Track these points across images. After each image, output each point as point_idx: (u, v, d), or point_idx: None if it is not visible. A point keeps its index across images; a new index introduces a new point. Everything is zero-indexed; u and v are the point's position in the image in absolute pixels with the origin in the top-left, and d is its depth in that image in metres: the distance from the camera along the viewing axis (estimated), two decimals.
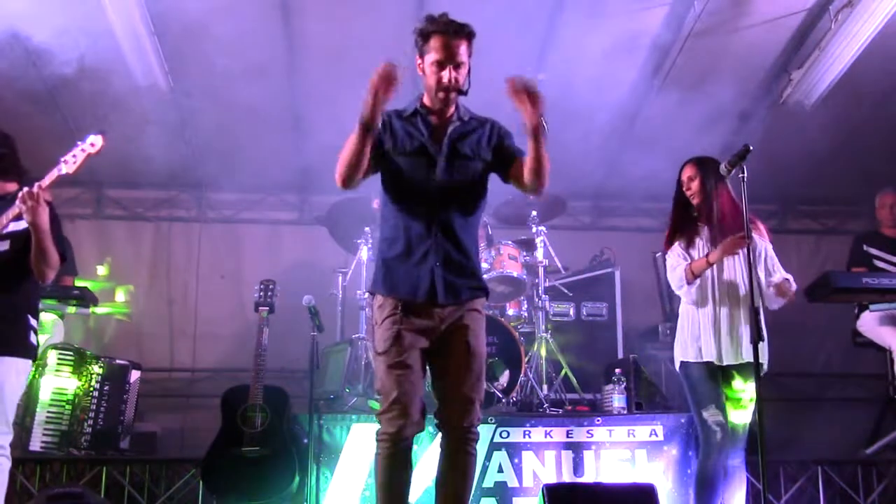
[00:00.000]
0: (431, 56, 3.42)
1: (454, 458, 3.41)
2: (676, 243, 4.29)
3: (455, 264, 3.43)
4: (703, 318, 4.18)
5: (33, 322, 3.92)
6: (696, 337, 4.17)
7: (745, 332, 4.13)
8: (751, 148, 3.97)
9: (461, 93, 3.50)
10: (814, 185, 8.01)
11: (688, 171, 4.34)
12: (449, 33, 3.40)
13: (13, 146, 3.93)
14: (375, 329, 3.48)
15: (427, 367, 3.48)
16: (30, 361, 3.91)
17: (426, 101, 3.56)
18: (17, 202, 3.61)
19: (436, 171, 3.47)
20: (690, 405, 4.23)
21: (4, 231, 3.78)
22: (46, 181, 3.61)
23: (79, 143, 3.70)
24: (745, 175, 3.96)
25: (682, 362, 4.22)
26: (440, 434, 3.49)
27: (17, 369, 3.81)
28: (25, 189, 3.60)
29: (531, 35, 6.34)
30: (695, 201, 4.29)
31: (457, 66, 3.41)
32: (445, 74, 3.41)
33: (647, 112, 7.01)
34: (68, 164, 3.67)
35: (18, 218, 3.72)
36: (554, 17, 6.20)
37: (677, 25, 6.23)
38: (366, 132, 3.30)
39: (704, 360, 4.13)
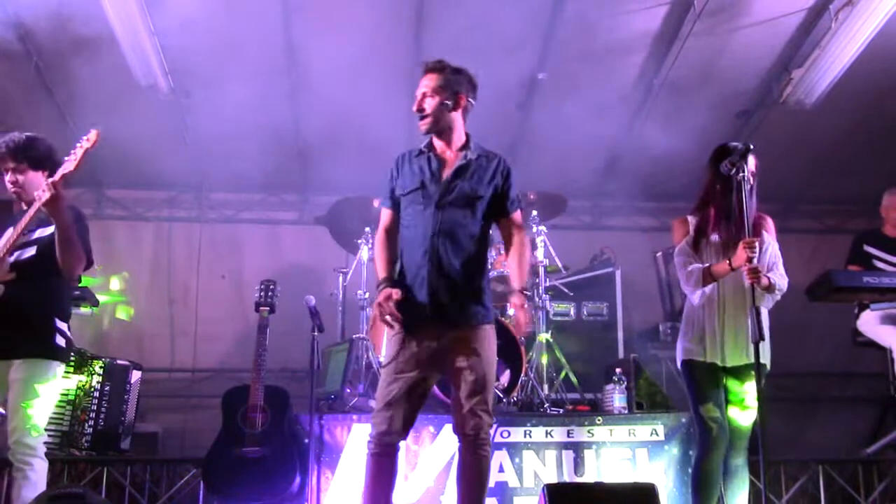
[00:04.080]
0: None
1: (467, 460, 3.70)
2: (684, 241, 4.24)
3: (451, 290, 3.68)
4: (707, 318, 4.16)
5: (61, 325, 4.00)
6: (701, 337, 4.15)
7: (749, 333, 4.13)
8: (752, 147, 3.97)
9: (422, 117, 3.78)
10: (814, 184, 8.02)
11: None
12: (423, 69, 3.84)
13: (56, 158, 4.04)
14: (388, 343, 3.83)
15: (427, 383, 3.77)
16: (56, 363, 3.96)
17: (434, 140, 3.87)
18: (36, 196, 3.75)
19: (431, 205, 3.73)
20: (689, 402, 4.21)
21: (32, 237, 3.92)
22: (57, 176, 3.74)
23: (78, 140, 3.79)
24: (746, 174, 3.96)
25: (684, 361, 4.20)
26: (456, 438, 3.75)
27: (43, 371, 3.88)
28: (44, 183, 3.74)
29: (530, 31, 6.34)
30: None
31: (422, 96, 3.78)
32: (415, 105, 3.80)
33: (647, 111, 7.01)
34: (70, 160, 3.77)
35: (44, 224, 3.88)
36: (555, 18, 6.20)
37: (677, 25, 6.22)
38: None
39: (708, 360, 4.11)
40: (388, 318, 3.62)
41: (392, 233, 3.87)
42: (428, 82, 3.78)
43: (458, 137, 3.85)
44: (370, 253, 6.15)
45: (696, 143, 4.37)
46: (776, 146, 6.92)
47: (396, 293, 3.63)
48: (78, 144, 3.78)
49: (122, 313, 7.79)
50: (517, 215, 3.94)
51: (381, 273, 3.78)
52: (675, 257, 4.29)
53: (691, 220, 4.27)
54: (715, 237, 4.18)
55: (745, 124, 7.20)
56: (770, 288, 4.03)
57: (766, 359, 4.10)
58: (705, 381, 4.12)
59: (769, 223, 4.27)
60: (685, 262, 4.19)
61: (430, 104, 3.76)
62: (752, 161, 4.14)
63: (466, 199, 3.76)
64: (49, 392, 3.92)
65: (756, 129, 7.07)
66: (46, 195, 3.69)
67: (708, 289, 4.12)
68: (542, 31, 6.34)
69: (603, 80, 6.68)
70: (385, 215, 3.92)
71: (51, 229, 3.87)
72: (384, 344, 4.49)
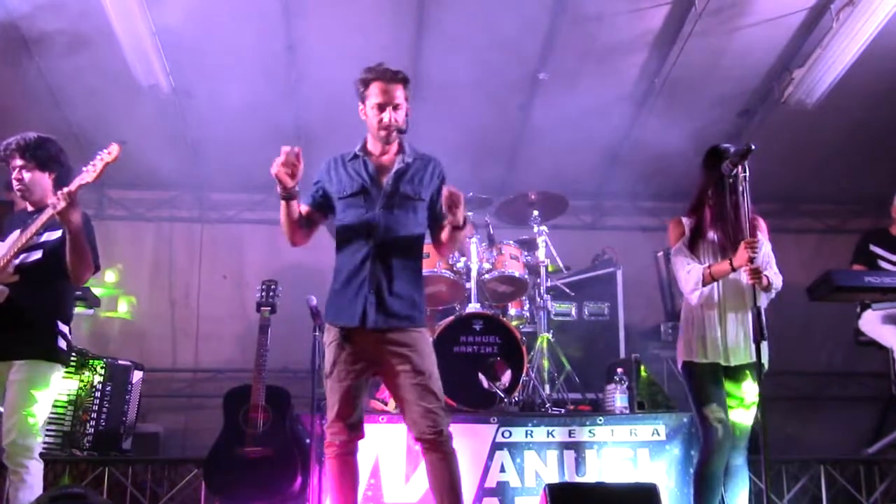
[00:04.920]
0: (372, 100, 3.76)
1: (434, 462, 3.70)
2: (680, 241, 4.25)
3: (388, 293, 3.68)
4: (707, 318, 4.16)
5: (63, 328, 4.02)
6: (702, 337, 4.14)
7: (750, 331, 4.12)
8: (753, 147, 3.97)
9: (401, 132, 3.80)
10: (815, 183, 8.01)
11: None
12: (386, 79, 3.76)
13: (64, 161, 4.13)
14: (326, 351, 3.84)
15: (364, 387, 3.80)
16: (57, 365, 3.98)
17: (369, 144, 3.88)
18: (51, 203, 3.77)
19: (374, 209, 3.74)
20: (692, 403, 4.20)
21: (38, 241, 3.94)
22: (74, 185, 3.78)
23: (98, 152, 3.86)
24: (748, 174, 3.96)
25: (685, 362, 4.20)
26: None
27: (44, 373, 3.90)
28: (59, 192, 3.77)
29: (531, 30, 6.34)
30: None
31: (395, 108, 3.76)
32: (385, 116, 3.74)
33: (648, 110, 7.01)
34: (89, 172, 3.83)
35: (51, 228, 3.90)
36: (556, 18, 6.19)
37: (678, 24, 6.22)
38: (287, 201, 3.72)
39: (710, 360, 4.11)
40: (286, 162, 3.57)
41: (301, 220, 3.83)
42: (401, 94, 3.78)
43: (394, 143, 3.86)
44: None
45: (698, 143, 4.36)
46: (777, 146, 6.91)
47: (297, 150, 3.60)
48: (98, 157, 3.84)
49: (124, 304, 7.79)
50: None
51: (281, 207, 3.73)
52: (671, 258, 4.29)
53: (686, 221, 4.27)
54: (712, 237, 4.18)
55: (746, 124, 7.20)
56: (768, 287, 4.04)
57: (765, 358, 4.09)
58: (707, 382, 4.12)
59: (762, 224, 4.27)
60: (683, 262, 4.18)
61: (402, 117, 3.78)
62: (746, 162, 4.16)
63: (408, 202, 3.78)
64: (48, 394, 3.92)
65: (757, 129, 7.06)
66: (62, 204, 3.72)
67: (706, 289, 4.12)
68: (542, 30, 6.34)
69: (604, 79, 6.68)
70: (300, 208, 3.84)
71: (57, 234, 3.91)
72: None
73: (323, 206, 3.90)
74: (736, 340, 4.10)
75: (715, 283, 4.12)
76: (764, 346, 4.02)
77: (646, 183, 7.70)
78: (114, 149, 3.85)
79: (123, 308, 7.76)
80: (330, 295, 3.83)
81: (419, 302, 3.80)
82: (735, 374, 4.12)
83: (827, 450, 6.10)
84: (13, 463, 3.78)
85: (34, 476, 3.82)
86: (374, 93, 3.75)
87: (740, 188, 3.97)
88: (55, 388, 4.00)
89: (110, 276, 7.79)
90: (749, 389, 4.09)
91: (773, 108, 6.90)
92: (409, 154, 3.86)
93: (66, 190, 3.75)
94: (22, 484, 3.77)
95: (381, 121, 3.74)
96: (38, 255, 3.95)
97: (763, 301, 4.16)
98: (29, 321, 3.91)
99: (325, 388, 3.82)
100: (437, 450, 3.67)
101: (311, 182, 3.92)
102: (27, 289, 3.90)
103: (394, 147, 3.86)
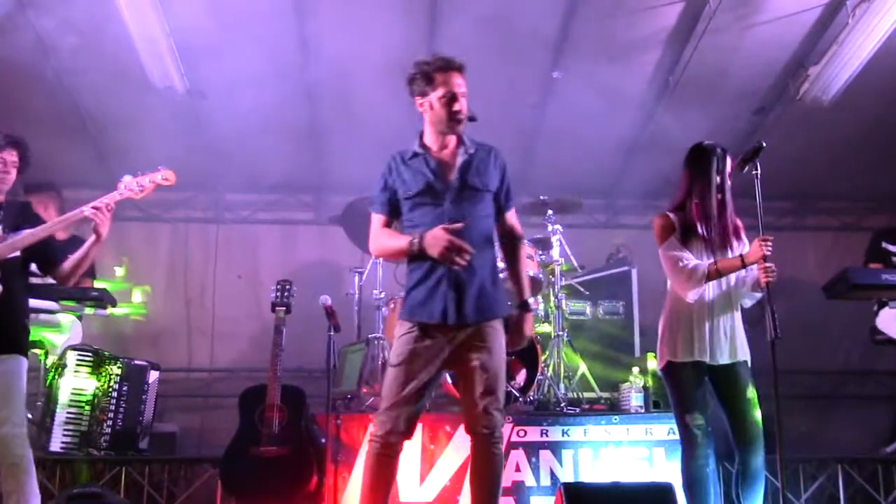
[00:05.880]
0: (440, 91, 3.67)
1: (480, 459, 3.68)
2: (672, 237, 4.19)
3: (467, 289, 3.62)
4: (696, 317, 4.10)
5: (27, 322, 4.21)
6: (689, 335, 4.10)
7: (739, 330, 4.12)
8: (764, 145, 3.95)
9: (472, 119, 3.76)
10: (831, 181, 7.96)
11: None
12: (453, 68, 3.70)
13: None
14: (394, 343, 3.76)
15: (434, 383, 3.74)
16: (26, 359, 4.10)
17: (427, 139, 3.80)
18: (89, 213, 3.89)
19: (443, 204, 3.68)
20: (673, 406, 4.14)
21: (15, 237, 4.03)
22: (120, 197, 3.99)
23: (149, 173, 4.04)
24: (759, 172, 3.94)
25: (669, 362, 4.12)
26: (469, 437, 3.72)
27: (22, 365, 4.01)
28: (97, 203, 3.90)
29: (545, 33, 6.33)
30: None
31: (462, 96, 3.69)
32: (457, 105, 3.67)
33: (663, 108, 6.98)
34: (135, 191, 4.00)
35: (20, 228, 3.99)
36: (569, 16, 6.18)
37: (693, 21, 6.20)
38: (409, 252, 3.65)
39: (696, 359, 4.07)
40: (460, 249, 3.48)
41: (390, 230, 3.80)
42: (461, 82, 3.70)
43: (454, 136, 3.80)
44: None
45: (713, 140, 4.35)
46: (793, 143, 6.88)
47: (450, 228, 3.51)
48: (149, 178, 4.00)
49: (138, 294, 7.81)
50: (512, 213, 3.91)
51: (401, 242, 3.67)
52: (662, 253, 4.19)
53: (673, 216, 4.23)
54: (702, 233, 4.15)
55: (761, 121, 7.16)
56: (757, 286, 4.02)
57: (747, 356, 4.10)
58: (689, 386, 4.07)
59: (741, 224, 4.24)
60: (680, 257, 4.10)
61: (464, 105, 3.71)
62: (730, 162, 4.17)
63: (478, 193, 3.73)
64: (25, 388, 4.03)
65: (773, 127, 7.03)
66: (105, 217, 3.88)
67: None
68: (556, 28, 6.33)
69: (618, 77, 6.65)
70: (378, 221, 3.81)
71: (26, 232, 3.97)
72: None
73: (397, 208, 3.80)
74: (726, 339, 4.07)
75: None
76: (745, 344, 4.09)
77: (660, 181, 7.66)
78: (171, 176, 4.06)
79: (138, 298, 7.78)
80: (405, 295, 3.77)
81: (497, 294, 3.74)
82: (724, 372, 4.08)
83: (844, 449, 6.07)
84: (14, 453, 3.86)
85: (32, 464, 3.92)
86: (442, 83, 3.67)
87: (727, 186, 4.07)
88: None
89: (137, 296, 7.81)
90: (747, 384, 4.06)
91: (788, 105, 6.86)
92: (470, 145, 3.79)
93: (110, 203, 3.90)
94: (25, 476, 3.85)
95: (455, 111, 3.66)
96: (17, 252, 3.99)
97: (748, 301, 4.16)
98: (10, 317, 4.01)
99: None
100: (488, 449, 3.65)
101: (378, 186, 3.83)
102: (8, 284, 3.97)
103: (453, 139, 3.78)
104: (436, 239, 3.51)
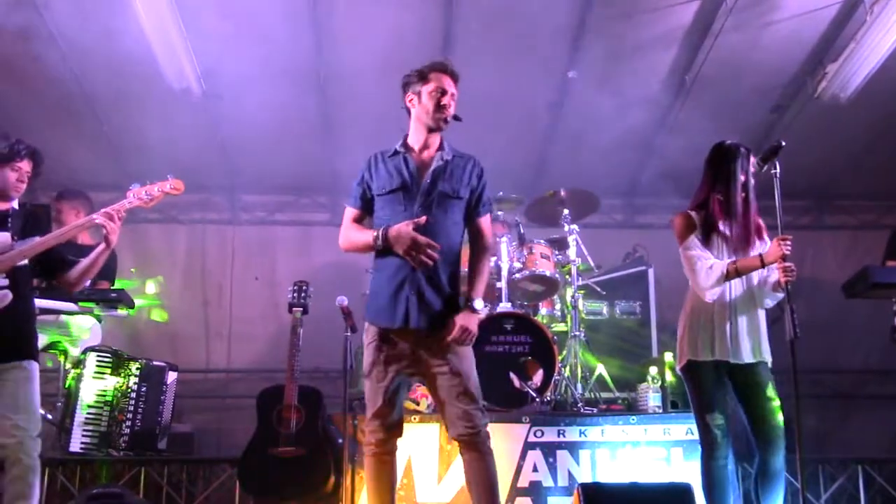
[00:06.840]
0: (431, 86, 3.80)
1: (471, 462, 3.71)
2: (692, 236, 4.18)
3: (430, 293, 3.68)
4: (717, 316, 4.09)
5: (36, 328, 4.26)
6: (711, 334, 4.08)
7: (762, 330, 4.10)
8: (783, 144, 3.92)
9: (457, 119, 3.83)
10: (850, 179, 7.92)
11: None
12: (446, 71, 3.84)
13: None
14: (365, 351, 3.83)
15: (405, 388, 3.87)
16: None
17: (410, 140, 3.89)
18: (100, 220, 3.95)
19: (413, 206, 3.73)
20: (693, 406, 4.13)
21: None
22: (130, 206, 4.06)
23: (158, 182, 4.12)
24: (778, 171, 3.92)
25: (689, 361, 4.11)
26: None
27: (35, 371, 4.04)
28: (108, 210, 3.98)
29: (561, 32, 6.32)
30: None
31: (451, 97, 3.81)
32: (445, 100, 3.78)
33: (679, 106, 6.96)
34: (142, 199, 4.08)
35: (29, 236, 4.03)
36: (585, 15, 6.16)
37: (709, 19, 6.17)
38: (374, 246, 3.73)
39: (716, 358, 4.05)
40: (426, 246, 3.58)
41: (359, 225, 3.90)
42: (452, 84, 3.83)
43: (437, 139, 3.88)
44: None
45: (730, 139, 4.33)
46: (811, 141, 6.85)
47: (415, 223, 3.61)
48: (158, 187, 4.08)
49: (157, 316, 7.87)
50: (486, 220, 3.92)
51: (366, 236, 3.75)
52: (683, 252, 4.17)
53: (695, 215, 4.20)
54: (724, 231, 4.13)
55: (779, 119, 7.12)
56: (778, 286, 3.99)
57: (768, 357, 4.07)
58: (710, 385, 4.06)
59: (763, 224, 4.21)
60: (700, 256, 4.08)
61: (452, 106, 3.82)
62: (753, 160, 4.13)
63: (447, 200, 3.77)
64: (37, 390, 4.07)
65: (791, 125, 6.98)
66: (115, 225, 3.95)
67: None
68: (572, 28, 6.31)
69: (634, 76, 6.63)
70: (350, 214, 3.91)
71: (48, 241, 4.01)
72: None
73: (370, 204, 3.89)
74: (748, 339, 4.05)
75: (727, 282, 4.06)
76: (766, 344, 4.05)
77: (677, 180, 7.63)
78: (180, 185, 4.15)
79: (152, 289, 7.82)
80: (369, 293, 3.85)
81: (458, 300, 3.78)
82: (745, 372, 4.05)
83: (864, 448, 6.02)
84: (28, 456, 3.89)
85: (39, 467, 3.96)
86: (434, 80, 3.79)
87: (751, 185, 4.04)
88: None
89: (151, 287, 7.85)
90: (767, 383, 4.03)
91: (806, 103, 6.81)
92: (449, 152, 3.86)
93: (121, 210, 3.97)
94: (34, 476, 3.89)
95: (442, 105, 3.76)
96: (25, 260, 4.04)
97: (769, 302, 4.13)
98: (23, 323, 4.07)
99: (363, 388, 3.84)
100: (475, 449, 3.68)
101: (356, 180, 3.94)
102: (18, 290, 4.01)
103: (435, 143, 3.86)
104: (401, 235, 3.61)
